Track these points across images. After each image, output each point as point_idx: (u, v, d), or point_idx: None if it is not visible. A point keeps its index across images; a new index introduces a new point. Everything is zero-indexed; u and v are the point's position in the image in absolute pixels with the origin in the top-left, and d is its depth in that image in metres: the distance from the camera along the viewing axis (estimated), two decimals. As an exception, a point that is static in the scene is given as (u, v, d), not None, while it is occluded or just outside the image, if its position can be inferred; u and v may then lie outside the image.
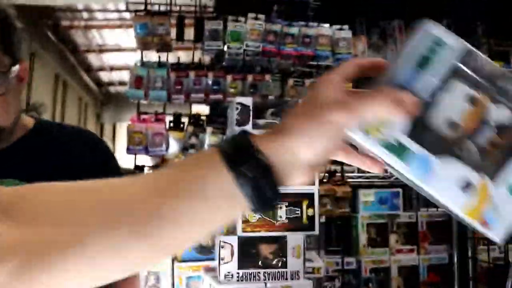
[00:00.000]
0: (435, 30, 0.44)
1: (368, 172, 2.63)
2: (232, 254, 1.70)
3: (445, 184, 0.43)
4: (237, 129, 1.80)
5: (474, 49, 0.45)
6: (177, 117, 2.26)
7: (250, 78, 2.26)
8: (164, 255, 0.47)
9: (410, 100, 0.42)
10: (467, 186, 0.42)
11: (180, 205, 0.43)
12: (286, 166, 0.44)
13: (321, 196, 2.10)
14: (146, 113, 2.24)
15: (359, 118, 0.43)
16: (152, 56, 2.43)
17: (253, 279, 1.70)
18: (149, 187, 0.45)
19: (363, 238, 2.52)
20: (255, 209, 0.44)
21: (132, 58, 3.33)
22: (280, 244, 1.74)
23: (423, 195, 0.47)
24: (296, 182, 0.47)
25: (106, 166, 0.98)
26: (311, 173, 0.47)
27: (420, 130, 0.43)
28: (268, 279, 1.70)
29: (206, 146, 2.18)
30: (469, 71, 0.44)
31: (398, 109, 0.42)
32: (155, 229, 0.42)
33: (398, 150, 0.43)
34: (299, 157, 0.44)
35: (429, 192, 0.44)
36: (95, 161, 0.96)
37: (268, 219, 1.72)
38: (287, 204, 1.74)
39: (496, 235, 0.41)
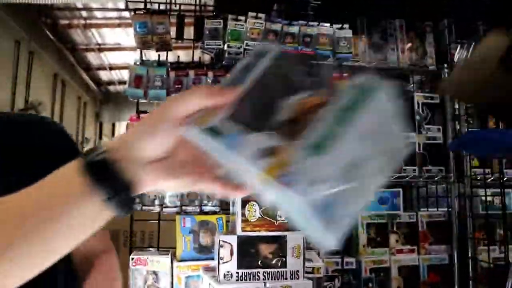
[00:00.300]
0: (267, 46, 0.55)
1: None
2: (231, 254, 1.69)
3: (248, 153, 0.46)
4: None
5: (288, 54, 0.53)
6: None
7: (250, 77, 2.25)
8: (45, 259, 0.49)
9: (222, 92, 0.50)
10: (269, 151, 0.45)
11: (46, 211, 0.47)
12: (131, 159, 0.49)
13: (321, 196, 2.09)
14: (145, 112, 2.24)
15: (183, 107, 0.50)
16: (152, 55, 2.42)
17: (253, 279, 1.69)
18: (27, 199, 0.49)
19: (363, 238, 2.51)
20: (109, 199, 0.47)
21: (132, 57, 3.32)
22: (280, 243, 1.74)
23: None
24: (157, 184, 0.51)
25: (61, 149, 0.93)
26: (173, 179, 0.52)
27: (241, 115, 0.50)
28: (268, 279, 1.70)
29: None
30: (281, 69, 0.53)
31: (211, 98, 0.50)
32: (27, 233, 0.47)
33: (218, 132, 0.49)
34: (141, 151, 0.49)
35: (238, 162, 0.47)
36: (48, 145, 0.92)
37: (268, 218, 1.72)
38: (287, 204, 1.73)
39: (297, 191, 0.41)
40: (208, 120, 0.50)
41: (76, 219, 0.48)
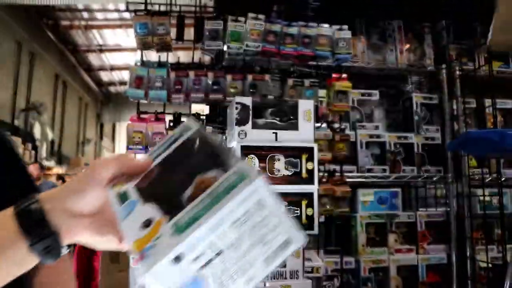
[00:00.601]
0: (189, 122, 0.58)
1: (368, 172, 2.64)
2: (231, 253, 1.70)
3: (134, 221, 0.48)
4: (237, 128, 1.81)
5: (204, 132, 0.56)
6: (177, 117, 2.26)
7: (249, 78, 2.26)
8: None
9: (137, 162, 0.56)
10: (148, 223, 0.47)
11: None
12: (58, 211, 0.54)
13: (320, 196, 2.10)
14: (146, 112, 2.25)
15: (107, 171, 0.55)
16: (152, 56, 2.43)
17: (252, 278, 1.70)
18: None
19: (362, 237, 2.52)
20: (32, 245, 0.52)
21: (132, 58, 3.34)
22: (279, 243, 1.75)
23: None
24: (83, 237, 0.56)
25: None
26: (98, 235, 0.56)
27: (149, 186, 0.54)
28: (267, 278, 1.71)
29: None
30: (196, 145, 0.56)
31: (128, 166, 0.56)
32: None
33: (123, 197, 0.53)
34: (68, 205, 0.54)
35: (123, 228, 0.50)
36: None
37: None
38: (286, 204, 1.74)
39: (142, 265, 0.42)
40: (123, 185, 0.54)
41: (5, 261, 0.52)
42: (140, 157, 0.58)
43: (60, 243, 0.53)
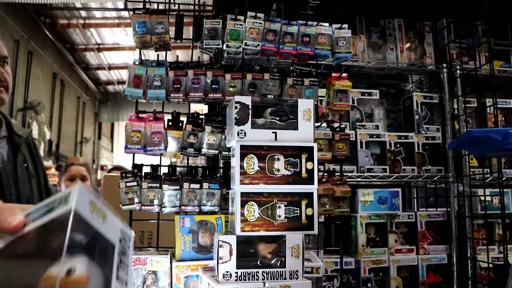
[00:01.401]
0: (73, 192, 0.54)
1: (368, 172, 2.62)
2: (230, 254, 1.69)
3: None
4: (236, 128, 1.79)
5: (80, 213, 0.52)
6: (176, 116, 2.24)
7: (249, 77, 2.24)
8: None
9: (8, 220, 0.53)
10: None
11: None
12: None
13: (320, 196, 2.09)
14: (144, 112, 2.23)
15: None
16: (151, 54, 2.41)
17: (252, 279, 1.69)
18: None
19: (362, 238, 2.51)
20: None
21: (130, 57, 3.32)
22: (279, 243, 1.74)
23: None
24: None
25: None
26: None
27: (8, 256, 0.52)
28: (267, 279, 1.70)
29: (204, 145, 2.16)
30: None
31: (5, 222, 0.54)
32: None
33: None
34: None
35: None
36: None
37: (267, 218, 1.71)
38: (286, 204, 1.73)
39: None
40: None
41: None
42: (19, 215, 0.55)
43: None
